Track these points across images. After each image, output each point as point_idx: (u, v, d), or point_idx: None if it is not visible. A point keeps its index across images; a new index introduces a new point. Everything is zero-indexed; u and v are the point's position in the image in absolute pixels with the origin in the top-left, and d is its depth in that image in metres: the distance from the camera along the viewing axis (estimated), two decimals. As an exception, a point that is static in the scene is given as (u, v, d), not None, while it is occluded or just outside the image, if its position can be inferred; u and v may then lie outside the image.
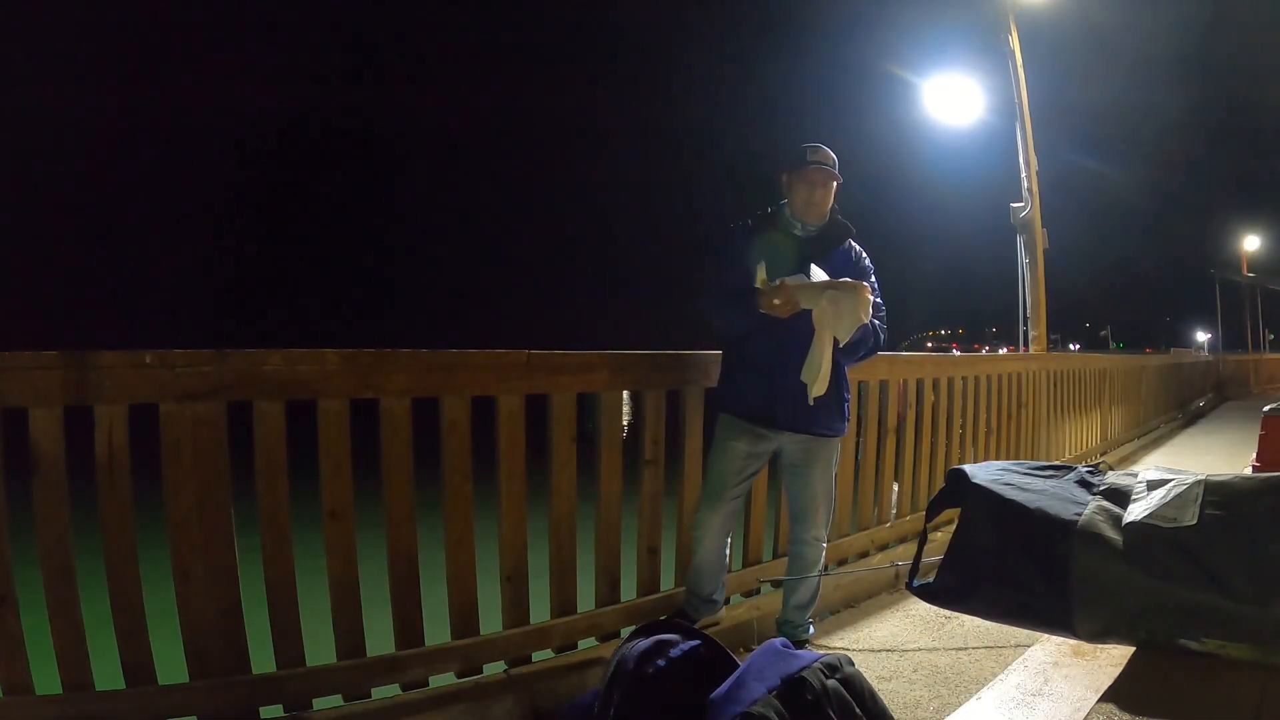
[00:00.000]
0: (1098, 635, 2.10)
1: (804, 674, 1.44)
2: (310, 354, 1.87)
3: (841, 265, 2.35)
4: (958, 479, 2.33)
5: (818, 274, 2.21)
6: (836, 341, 2.21)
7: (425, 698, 1.97)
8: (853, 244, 2.43)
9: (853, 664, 1.58)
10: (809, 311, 2.19)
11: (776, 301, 2.15)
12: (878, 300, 2.35)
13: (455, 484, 2.07)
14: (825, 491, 2.43)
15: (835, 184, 2.36)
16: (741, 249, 2.33)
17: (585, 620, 2.32)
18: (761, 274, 2.18)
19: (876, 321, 2.34)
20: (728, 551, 2.46)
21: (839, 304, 2.16)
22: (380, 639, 1.98)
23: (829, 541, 3.07)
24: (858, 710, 1.45)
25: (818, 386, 2.22)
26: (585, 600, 2.34)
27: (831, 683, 1.45)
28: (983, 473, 2.31)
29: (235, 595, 1.79)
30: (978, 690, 2.07)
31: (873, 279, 2.40)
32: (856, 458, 3.23)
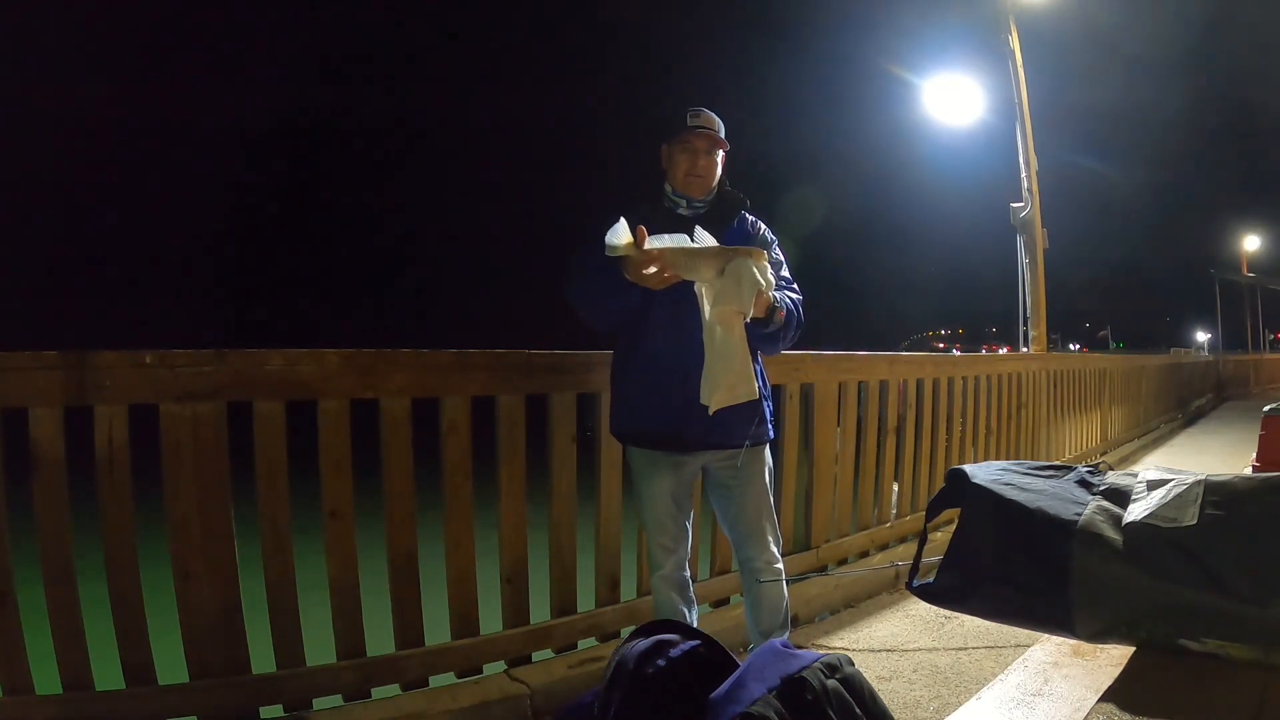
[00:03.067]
0: (1098, 635, 2.10)
1: (804, 674, 1.44)
2: (310, 354, 1.87)
3: (738, 242, 1.94)
4: (958, 479, 2.33)
5: (704, 238, 1.75)
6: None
7: (425, 697, 1.97)
8: (746, 215, 2.05)
9: (853, 664, 1.58)
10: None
11: (648, 271, 1.68)
12: (785, 275, 2.00)
13: (455, 484, 2.07)
14: (767, 508, 2.07)
15: (722, 152, 1.98)
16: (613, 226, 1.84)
17: (585, 620, 2.32)
18: (625, 235, 1.67)
19: (793, 298, 1.95)
20: (690, 581, 2.09)
21: (736, 271, 1.70)
22: (380, 639, 1.98)
23: (829, 542, 3.09)
24: (858, 710, 1.45)
25: (723, 393, 1.75)
26: (585, 600, 2.34)
27: (831, 683, 1.45)
28: (983, 473, 2.31)
29: (235, 595, 1.79)
30: (978, 690, 2.07)
31: (777, 251, 2.01)
32: (857, 458, 3.23)
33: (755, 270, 1.70)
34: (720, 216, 1.98)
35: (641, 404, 1.94)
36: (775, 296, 1.83)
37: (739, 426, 1.90)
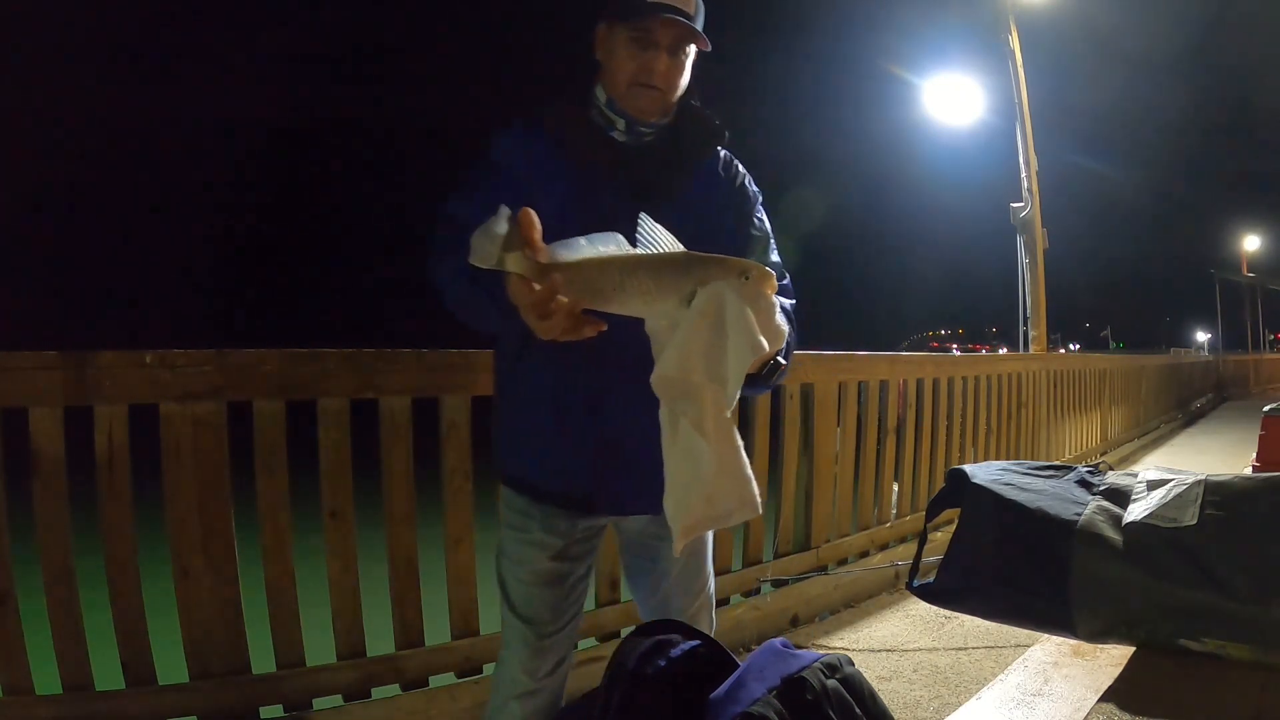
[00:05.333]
0: (1098, 635, 2.10)
1: (804, 674, 1.44)
2: (310, 354, 1.87)
3: (706, 194, 1.26)
4: (958, 479, 2.33)
5: (659, 236, 0.92)
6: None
7: (425, 697, 1.97)
8: (722, 154, 1.31)
9: (853, 664, 1.57)
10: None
11: (547, 319, 0.89)
12: (774, 259, 1.28)
13: (455, 484, 2.07)
14: (702, 589, 1.41)
15: (695, 50, 1.22)
16: (505, 170, 1.20)
17: (585, 620, 2.32)
18: (505, 228, 0.87)
19: (787, 306, 1.13)
20: None
21: (714, 307, 0.90)
22: (380, 639, 1.98)
23: (828, 542, 3.08)
24: (858, 710, 1.45)
25: (697, 511, 0.98)
26: (585, 600, 2.34)
27: (831, 683, 1.45)
28: (983, 473, 2.31)
29: (235, 595, 1.78)
30: (978, 690, 2.07)
31: (760, 214, 1.31)
32: (857, 458, 3.23)
33: (747, 307, 0.89)
34: (678, 152, 1.25)
35: (528, 441, 1.27)
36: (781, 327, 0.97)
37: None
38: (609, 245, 0.89)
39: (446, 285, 1.13)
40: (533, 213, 0.86)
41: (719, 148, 1.31)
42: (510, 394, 1.30)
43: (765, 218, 1.33)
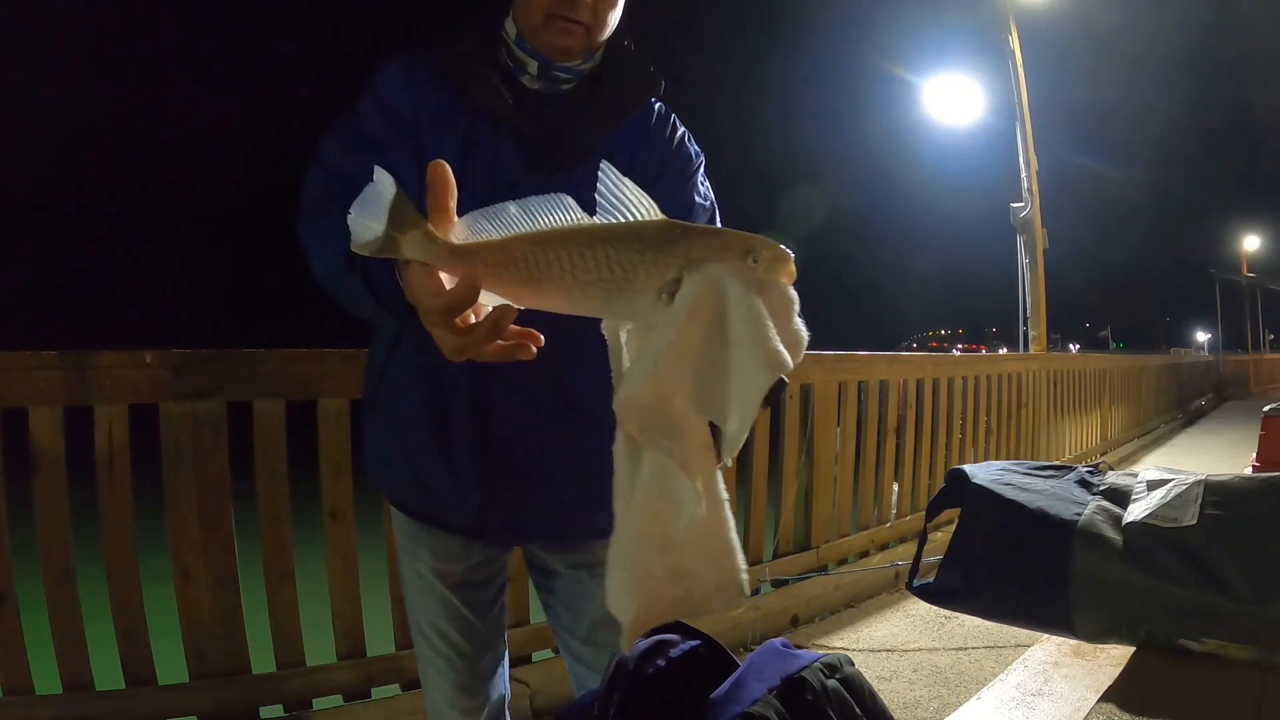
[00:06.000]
0: (1098, 635, 2.10)
1: (804, 674, 1.44)
2: (310, 354, 1.87)
3: (634, 154, 1.01)
4: (958, 479, 2.33)
5: (627, 195, 0.57)
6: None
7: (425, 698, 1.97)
8: (656, 106, 1.07)
9: (853, 664, 1.58)
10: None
11: (470, 331, 0.58)
12: (704, 194, 1.06)
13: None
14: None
15: None
16: (393, 113, 0.96)
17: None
18: (389, 197, 0.55)
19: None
20: None
21: (709, 299, 0.55)
22: (380, 639, 1.98)
23: (829, 542, 3.09)
24: (857, 710, 1.45)
25: (646, 595, 0.59)
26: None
27: (831, 683, 1.45)
28: (983, 473, 2.31)
29: (235, 595, 1.79)
30: (978, 690, 2.07)
31: (705, 181, 1.07)
32: (857, 458, 3.23)
33: (758, 301, 0.56)
34: (605, 101, 1.00)
35: (402, 453, 1.03)
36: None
37: (583, 509, 0.98)
38: (552, 214, 0.56)
39: (315, 258, 0.86)
40: (445, 166, 0.57)
41: (653, 100, 1.05)
42: (380, 394, 1.04)
43: (703, 176, 1.06)
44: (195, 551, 1.75)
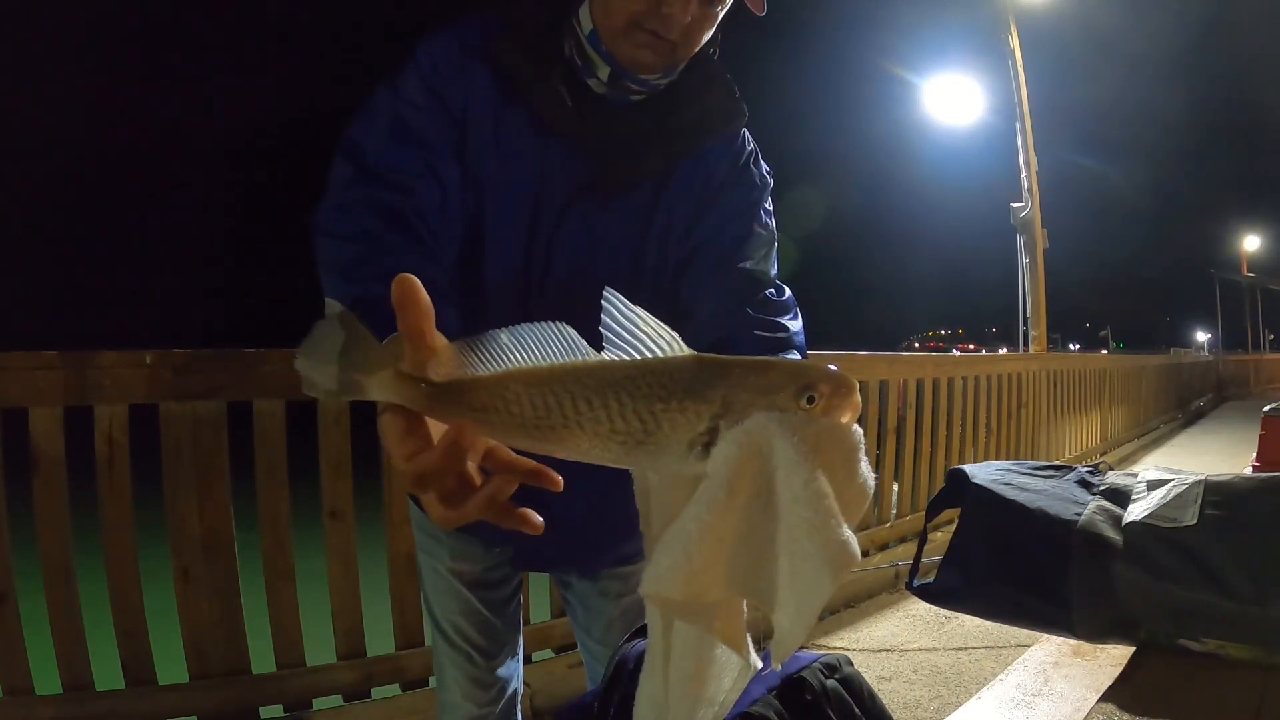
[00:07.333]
0: (1098, 635, 2.10)
1: (803, 674, 1.44)
2: (310, 354, 1.87)
3: (707, 183, 0.90)
4: (958, 479, 2.33)
5: (638, 327, 0.46)
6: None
7: (425, 697, 1.97)
8: (742, 135, 0.95)
9: (852, 664, 1.58)
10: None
11: (459, 466, 0.47)
12: (773, 270, 0.92)
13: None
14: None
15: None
16: (440, 100, 0.82)
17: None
18: (339, 334, 0.45)
19: (796, 331, 0.86)
20: None
21: (756, 481, 0.43)
22: (380, 639, 1.98)
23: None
24: (857, 710, 1.45)
25: None
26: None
27: (831, 683, 1.45)
28: (983, 473, 2.31)
29: (235, 595, 1.79)
30: (978, 690, 2.07)
31: (769, 209, 0.94)
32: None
33: (816, 465, 0.43)
34: (679, 123, 0.88)
35: None
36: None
37: (612, 538, 0.99)
38: (549, 345, 0.46)
39: (319, 270, 0.73)
40: (415, 282, 0.45)
41: (738, 126, 0.93)
42: None
43: (770, 205, 0.95)
44: (195, 551, 1.75)
